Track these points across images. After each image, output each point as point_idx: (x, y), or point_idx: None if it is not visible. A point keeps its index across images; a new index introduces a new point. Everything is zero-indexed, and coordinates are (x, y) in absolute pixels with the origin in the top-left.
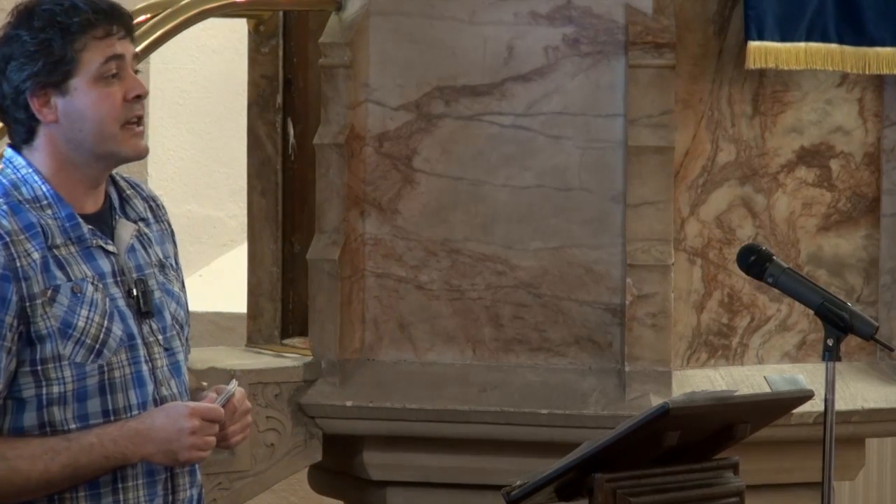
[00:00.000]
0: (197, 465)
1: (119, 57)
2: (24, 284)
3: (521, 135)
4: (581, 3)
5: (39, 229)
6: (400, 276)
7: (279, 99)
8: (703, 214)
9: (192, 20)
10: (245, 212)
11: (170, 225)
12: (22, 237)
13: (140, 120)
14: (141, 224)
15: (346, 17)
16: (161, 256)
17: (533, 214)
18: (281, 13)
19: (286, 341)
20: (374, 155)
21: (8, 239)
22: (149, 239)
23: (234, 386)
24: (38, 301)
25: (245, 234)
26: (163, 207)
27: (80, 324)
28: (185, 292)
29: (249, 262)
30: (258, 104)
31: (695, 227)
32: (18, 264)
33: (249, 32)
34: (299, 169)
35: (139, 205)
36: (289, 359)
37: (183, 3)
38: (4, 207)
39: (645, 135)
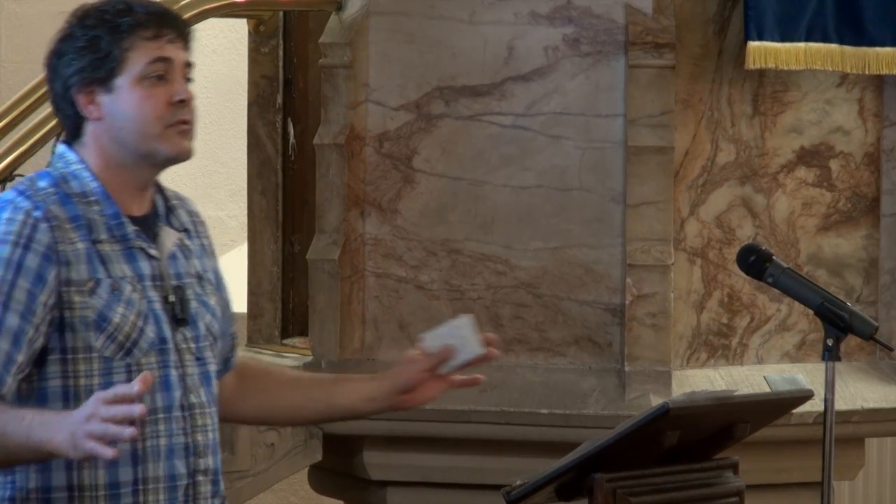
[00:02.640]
0: (221, 477)
1: (166, 60)
2: (63, 269)
3: (521, 135)
4: (581, 3)
5: (85, 222)
6: (400, 276)
7: (279, 99)
8: (703, 214)
9: (192, 20)
10: (245, 212)
11: (210, 242)
12: (68, 226)
13: (188, 123)
14: (183, 235)
15: (346, 17)
16: (200, 269)
17: (533, 214)
18: (281, 13)
19: (286, 341)
20: (374, 155)
21: (55, 223)
22: (189, 251)
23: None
24: (77, 289)
25: (245, 234)
26: (204, 224)
27: (116, 319)
28: (223, 304)
29: (249, 262)
30: (258, 104)
31: (695, 227)
32: (61, 248)
33: (249, 32)
34: (299, 169)
35: (184, 216)
36: (289, 359)
37: (183, 3)
38: (54, 197)
39: (645, 135)
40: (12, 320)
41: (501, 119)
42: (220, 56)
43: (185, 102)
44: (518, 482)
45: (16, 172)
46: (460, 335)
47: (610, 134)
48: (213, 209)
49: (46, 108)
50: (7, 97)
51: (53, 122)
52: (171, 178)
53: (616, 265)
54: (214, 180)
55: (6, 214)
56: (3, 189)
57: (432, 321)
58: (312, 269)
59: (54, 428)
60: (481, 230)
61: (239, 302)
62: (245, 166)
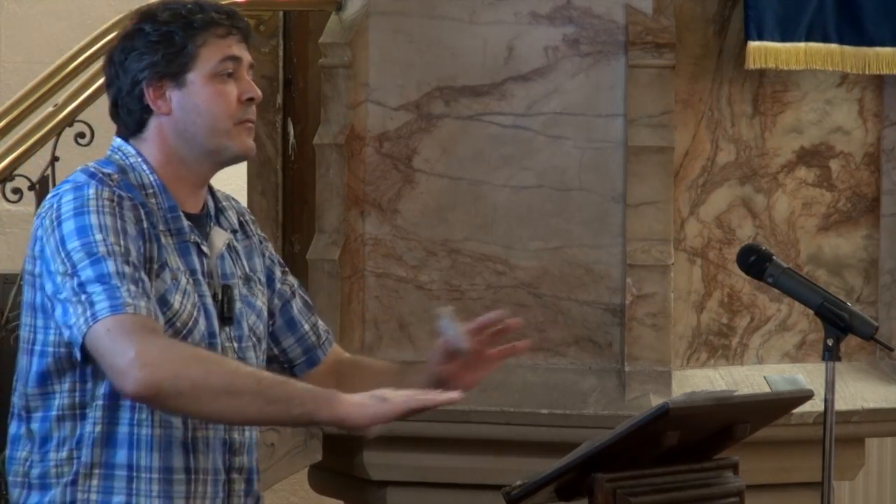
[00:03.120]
0: (255, 476)
1: (236, 59)
2: (144, 245)
3: (521, 135)
4: (581, 3)
5: (148, 209)
6: (400, 276)
7: (279, 99)
8: (703, 214)
9: None
10: None
11: (262, 238)
12: (139, 209)
13: (253, 122)
14: (231, 237)
15: (346, 17)
16: (247, 270)
17: (533, 214)
18: (281, 13)
19: None
20: (374, 155)
21: (133, 202)
22: (237, 253)
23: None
24: (150, 267)
25: None
26: (255, 223)
27: (176, 306)
28: (285, 299)
29: None
30: (258, 104)
31: (695, 227)
32: (144, 226)
33: None
34: (299, 169)
35: (232, 217)
36: None
37: None
38: (122, 183)
39: (645, 135)
40: (146, 276)
41: (501, 119)
42: None
43: (253, 101)
44: (518, 482)
45: (16, 172)
46: (447, 328)
47: (610, 134)
48: None
49: (46, 108)
50: (7, 97)
51: (53, 122)
52: None
53: (616, 265)
54: (214, 180)
55: (91, 190)
56: (3, 189)
57: (432, 321)
58: (312, 269)
59: (337, 404)
60: (481, 230)
61: None
62: (245, 166)
